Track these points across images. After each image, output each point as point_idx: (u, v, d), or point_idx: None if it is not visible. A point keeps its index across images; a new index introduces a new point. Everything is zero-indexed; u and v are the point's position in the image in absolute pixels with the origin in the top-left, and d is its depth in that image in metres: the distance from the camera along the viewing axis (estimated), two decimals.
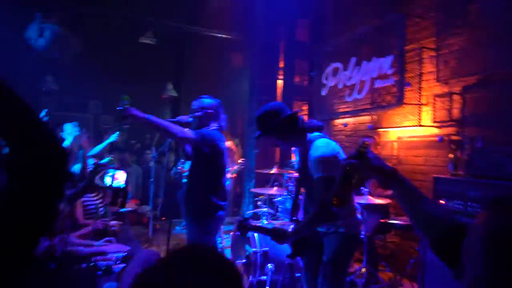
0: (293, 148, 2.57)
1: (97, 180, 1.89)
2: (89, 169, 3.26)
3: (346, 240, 2.20)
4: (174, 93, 8.07)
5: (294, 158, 5.59)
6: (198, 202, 2.89)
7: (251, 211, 4.25)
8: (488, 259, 0.80)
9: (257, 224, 2.31)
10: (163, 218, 5.39)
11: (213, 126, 2.89)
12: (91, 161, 3.61)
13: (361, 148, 1.21)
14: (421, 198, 1.17)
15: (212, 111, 2.89)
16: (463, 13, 3.63)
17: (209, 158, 2.79)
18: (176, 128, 2.59)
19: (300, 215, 2.46)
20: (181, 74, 8.97)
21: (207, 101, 2.91)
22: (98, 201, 3.31)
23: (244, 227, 2.21)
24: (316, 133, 2.25)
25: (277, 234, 2.16)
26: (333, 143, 2.22)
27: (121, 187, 2.15)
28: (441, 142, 3.78)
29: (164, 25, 7.23)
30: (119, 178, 2.53)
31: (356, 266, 3.68)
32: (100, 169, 2.02)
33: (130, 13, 6.66)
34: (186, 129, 2.67)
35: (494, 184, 2.77)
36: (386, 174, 1.19)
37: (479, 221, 0.87)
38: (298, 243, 2.26)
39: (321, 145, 2.15)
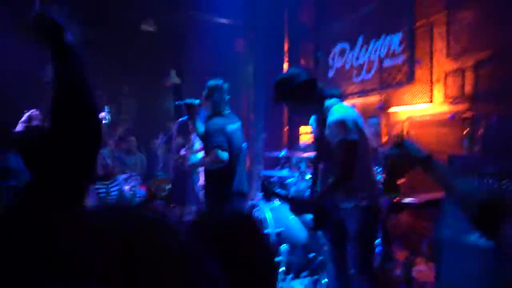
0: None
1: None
2: None
3: (368, 213, 2.16)
4: (177, 80, 7.99)
5: (301, 141, 5.57)
6: (212, 190, 2.91)
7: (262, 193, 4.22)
8: None
9: (280, 191, 2.31)
10: (172, 205, 5.38)
11: (225, 110, 2.89)
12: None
13: (397, 138, 1.29)
14: (457, 179, 1.27)
15: (206, 93, 2.94)
16: None
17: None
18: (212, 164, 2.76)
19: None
20: (184, 61, 8.87)
21: (208, 83, 2.96)
22: (109, 185, 3.29)
23: (268, 191, 2.21)
24: (334, 99, 2.20)
25: (297, 202, 2.14)
26: (351, 108, 2.18)
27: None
28: (453, 119, 3.72)
29: (165, 12, 7.13)
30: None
31: None
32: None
33: (130, 0, 6.55)
34: (215, 156, 2.72)
35: (510, 158, 2.72)
36: (422, 161, 1.26)
37: None
38: (320, 215, 2.22)
39: (340, 109, 2.12)
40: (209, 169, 2.94)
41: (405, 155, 1.28)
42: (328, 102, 2.18)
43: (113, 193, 3.26)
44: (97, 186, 3.26)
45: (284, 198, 2.29)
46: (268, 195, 2.23)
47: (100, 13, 6.84)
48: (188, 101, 2.97)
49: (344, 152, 2.03)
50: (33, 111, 3.29)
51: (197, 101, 3.00)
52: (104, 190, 3.18)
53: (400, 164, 1.31)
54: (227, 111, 2.97)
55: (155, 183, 1.62)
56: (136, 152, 6.15)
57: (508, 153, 2.76)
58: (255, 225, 0.73)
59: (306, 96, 2.18)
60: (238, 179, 2.84)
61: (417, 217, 4.04)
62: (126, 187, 3.56)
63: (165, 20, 7.42)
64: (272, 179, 4.02)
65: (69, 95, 0.89)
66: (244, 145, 3.03)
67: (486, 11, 3.45)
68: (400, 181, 1.39)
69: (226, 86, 2.98)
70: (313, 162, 2.40)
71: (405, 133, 4.30)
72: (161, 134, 4.57)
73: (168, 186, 1.58)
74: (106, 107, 2.56)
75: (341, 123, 2.04)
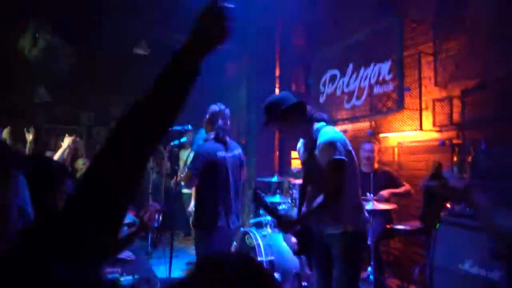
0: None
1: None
2: None
3: (355, 240, 2.15)
4: None
5: (293, 166, 5.57)
6: (200, 214, 2.87)
7: (255, 220, 4.17)
8: None
9: (269, 204, 2.29)
10: (161, 232, 5.27)
11: (210, 136, 2.89)
12: None
13: (436, 169, 1.28)
14: (493, 212, 1.24)
15: (207, 118, 2.93)
16: (459, 17, 3.67)
17: (206, 174, 2.79)
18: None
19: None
20: None
21: (210, 107, 2.94)
22: None
23: (259, 200, 2.18)
24: (323, 123, 2.25)
25: (285, 220, 2.13)
26: (340, 132, 2.23)
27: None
28: (443, 146, 3.78)
29: (158, 36, 7.20)
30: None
31: (362, 273, 3.62)
32: None
33: (124, 24, 6.62)
34: (185, 177, 2.84)
35: (501, 186, 2.74)
36: (461, 192, 1.27)
37: None
38: (305, 239, 2.21)
39: (329, 131, 2.17)
40: (198, 196, 2.92)
41: (444, 186, 1.27)
42: (317, 125, 2.23)
43: None
44: None
45: (272, 213, 2.27)
46: (259, 206, 2.21)
47: (94, 36, 6.88)
48: (177, 128, 2.97)
49: (333, 172, 2.06)
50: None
51: (186, 127, 2.98)
52: None
53: (439, 195, 1.34)
54: (227, 138, 2.94)
55: (148, 212, 1.57)
56: None
57: (498, 181, 2.79)
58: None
59: (296, 118, 2.21)
60: (228, 207, 2.80)
61: (409, 244, 4.02)
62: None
63: (158, 43, 7.49)
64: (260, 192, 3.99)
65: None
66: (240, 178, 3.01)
67: (471, 41, 3.57)
68: (436, 211, 1.40)
69: (227, 111, 2.96)
70: (300, 184, 2.40)
71: (394, 158, 4.34)
72: (152, 158, 4.52)
73: (159, 216, 1.55)
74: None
75: (331, 144, 2.09)
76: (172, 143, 3.41)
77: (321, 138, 2.13)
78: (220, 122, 2.89)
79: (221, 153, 2.84)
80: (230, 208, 2.80)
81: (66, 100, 7.76)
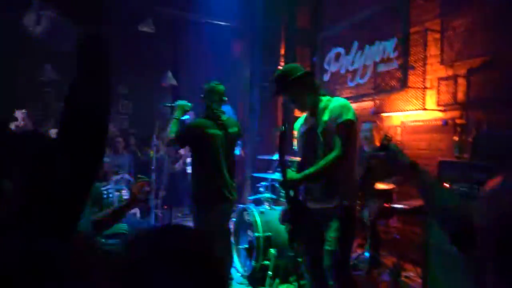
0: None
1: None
2: None
3: (348, 214, 2.17)
4: (173, 82, 7.99)
5: (295, 144, 5.56)
6: (194, 190, 2.92)
7: (253, 197, 4.22)
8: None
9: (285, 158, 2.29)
10: (165, 207, 5.37)
11: (220, 113, 2.92)
12: None
13: (384, 140, 1.23)
14: (439, 192, 1.21)
15: (202, 95, 2.94)
16: None
17: (196, 149, 2.83)
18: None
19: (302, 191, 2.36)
20: (181, 63, 8.88)
21: (205, 86, 2.95)
22: (107, 188, 3.30)
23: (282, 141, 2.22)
24: (328, 97, 2.31)
25: (288, 177, 2.14)
26: None
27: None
28: (446, 126, 3.73)
29: (163, 13, 7.14)
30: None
31: (358, 250, 3.66)
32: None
33: (128, 1, 6.56)
34: (169, 133, 2.84)
35: (499, 166, 2.72)
36: (406, 167, 1.21)
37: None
38: (295, 228, 2.22)
39: (341, 98, 2.28)
40: (192, 172, 2.97)
41: (390, 158, 1.22)
42: (325, 98, 2.29)
43: (110, 195, 3.27)
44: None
45: (282, 164, 2.23)
46: (280, 147, 2.23)
47: (100, 13, 6.85)
48: (179, 103, 2.96)
49: (346, 132, 2.11)
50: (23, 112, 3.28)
51: (184, 104, 2.97)
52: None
53: (382, 166, 1.25)
54: (223, 114, 2.94)
55: (136, 185, 1.62)
56: (123, 153, 6.15)
57: (496, 162, 2.76)
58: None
59: (305, 88, 2.25)
60: (220, 183, 2.83)
61: (407, 223, 4.04)
62: (121, 191, 3.56)
63: (163, 21, 7.43)
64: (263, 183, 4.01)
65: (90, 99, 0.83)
66: (236, 152, 3.03)
67: (479, 19, 3.46)
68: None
69: (221, 88, 2.95)
70: (299, 163, 2.38)
71: (395, 138, 4.30)
72: (154, 136, 4.57)
73: (147, 188, 1.58)
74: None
75: (346, 106, 2.17)
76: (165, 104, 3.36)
77: (335, 103, 2.21)
78: (212, 99, 2.90)
79: (211, 131, 2.83)
80: (224, 184, 2.83)
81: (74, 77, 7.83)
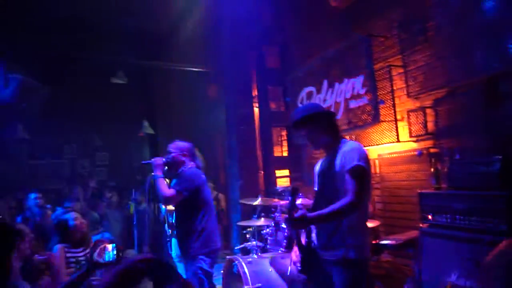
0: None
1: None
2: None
3: (357, 268, 2.08)
4: (150, 130, 7.98)
5: (278, 185, 5.55)
6: (184, 245, 2.90)
7: (240, 246, 4.12)
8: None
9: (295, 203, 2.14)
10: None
11: (190, 164, 3.02)
12: None
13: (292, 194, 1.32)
14: None
15: (186, 152, 3.09)
16: (422, 30, 3.77)
17: (189, 201, 2.85)
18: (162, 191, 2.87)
19: (314, 238, 2.27)
20: (156, 111, 8.92)
21: (181, 143, 3.11)
22: (81, 254, 3.14)
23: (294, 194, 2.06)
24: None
25: (296, 216, 1.95)
26: None
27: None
28: (421, 156, 3.82)
29: (134, 64, 7.23)
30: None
31: None
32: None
33: (99, 55, 6.63)
34: (168, 190, 2.87)
35: (476, 195, 2.76)
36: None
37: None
38: (308, 260, 2.14)
39: (357, 144, 2.27)
40: (194, 226, 2.90)
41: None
42: (343, 140, 2.29)
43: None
44: (68, 254, 3.12)
45: (291, 208, 2.02)
46: (292, 198, 2.04)
47: (69, 69, 6.87)
48: (156, 162, 3.01)
49: (358, 178, 2.04)
50: None
51: (164, 160, 3.01)
52: (73, 260, 3.04)
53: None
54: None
55: (95, 248, 1.53)
56: (104, 211, 5.97)
57: (473, 189, 2.82)
58: None
59: (320, 127, 2.26)
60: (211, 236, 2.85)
61: (399, 257, 4.01)
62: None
63: (136, 72, 7.51)
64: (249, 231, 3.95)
65: None
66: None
67: (435, 52, 3.66)
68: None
69: (191, 146, 3.21)
70: (313, 203, 2.34)
71: (376, 170, 4.37)
72: (133, 190, 4.47)
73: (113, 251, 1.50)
74: None
75: (359, 151, 2.15)
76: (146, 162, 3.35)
77: (349, 146, 2.19)
78: (195, 153, 3.16)
79: (203, 177, 3.06)
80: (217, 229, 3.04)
81: (47, 135, 7.69)
